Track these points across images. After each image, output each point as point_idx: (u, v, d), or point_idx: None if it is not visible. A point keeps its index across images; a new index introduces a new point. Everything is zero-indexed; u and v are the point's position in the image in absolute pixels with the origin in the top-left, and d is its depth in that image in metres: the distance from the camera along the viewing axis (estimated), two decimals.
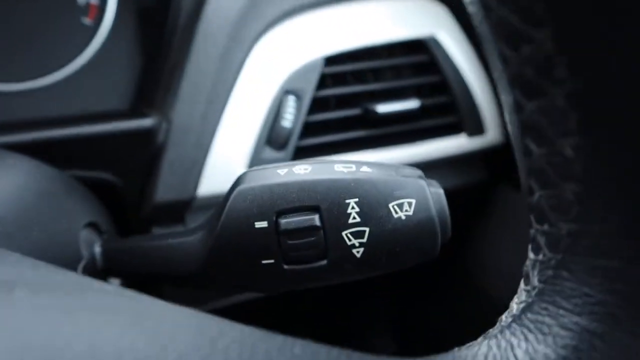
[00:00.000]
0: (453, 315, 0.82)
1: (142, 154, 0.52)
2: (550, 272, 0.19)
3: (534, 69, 0.16)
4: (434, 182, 0.34)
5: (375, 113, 0.59)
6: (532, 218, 0.19)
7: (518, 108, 0.17)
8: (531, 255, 0.20)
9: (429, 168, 0.67)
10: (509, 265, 0.68)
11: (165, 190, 0.52)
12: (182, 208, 0.54)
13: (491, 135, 0.68)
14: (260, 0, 0.57)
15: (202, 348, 0.17)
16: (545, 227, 0.18)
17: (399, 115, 0.61)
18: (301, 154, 0.58)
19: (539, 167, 0.17)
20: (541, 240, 0.19)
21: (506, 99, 0.18)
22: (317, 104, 0.59)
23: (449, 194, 0.69)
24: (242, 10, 0.56)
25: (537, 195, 0.18)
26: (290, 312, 0.83)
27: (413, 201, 0.32)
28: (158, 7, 0.55)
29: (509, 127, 0.18)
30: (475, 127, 0.67)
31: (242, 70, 0.55)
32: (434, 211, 0.33)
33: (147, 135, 0.51)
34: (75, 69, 0.56)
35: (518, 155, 0.18)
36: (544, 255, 0.19)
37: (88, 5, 0.56)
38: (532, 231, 0.19)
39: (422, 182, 0.33)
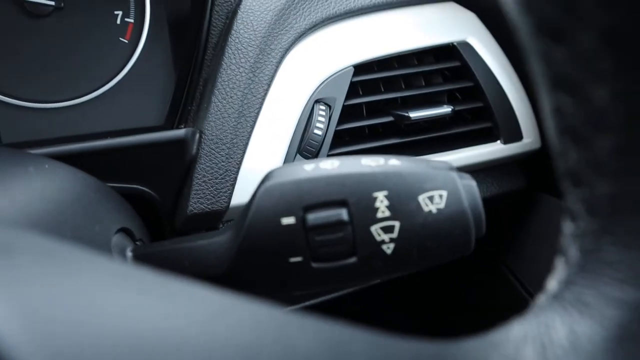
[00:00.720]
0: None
1: (176, 165, 0.53)
2: (591, 241, 0.17)
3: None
4: (466, 174, 0.33)
5: (408, 119, 0.59)
6: (567, 184, 0.18)
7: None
8: (567, 226, 0.19)
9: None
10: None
11: (197, 201, 0.52)
12: (215, 218, 0.54)
13: (528, 141, 0.66)
14: (288, 13, 0.58)
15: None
16: (583, 190, 0.17)
17: (432, 121, 0.60)
18: None
19: (572, 123, 0.16)
20: (578, 206, 0.17)
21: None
22: (348, 113, 0.59)
23: (487, 201, 0.67)
24: (271, 24, 0.56)
25: (571, 155, 0.16)
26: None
27: (444, 193, 0.31)
28: (189, 23, 0.57)
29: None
30: (511, 133, 0.65)
31: (272, 81, 0.56)
32: (466, 203, 0.32)
33: (180, 146, 0.52)
34: (113, 86, 0.57)
35: (548, 114, 0.17)
36: (583, 222, 0.17)
37: (126, 24, 0.58)
38: (568, 198, 0.18)
39: (454, 174, 0.32)
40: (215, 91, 0.54)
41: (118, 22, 0.57)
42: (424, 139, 0.61)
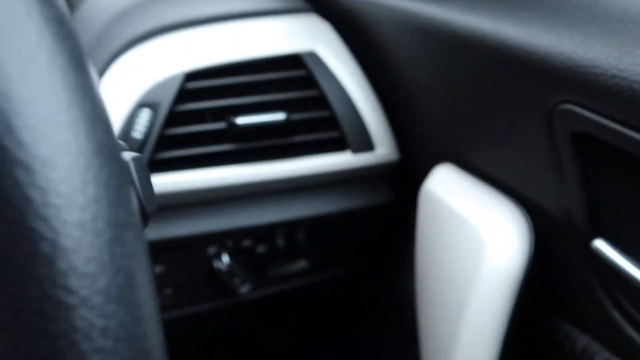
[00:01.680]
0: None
1: None
2: None
3: None
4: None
5: (235, 125, 0.59)
6: None
7: None
8: None
9: (319, 186, 0.65)
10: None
11: None
12: None
13: (382, 151, 0.65)
14: (120, 21, 0.60)
15: None
16: None
17: (265, 128, 0.61)
18: (157, 167, 0.58)
19: None
20: None
21: None
22: (182, 119, 0.60)
23: (353, 214, 0.66)
24: (101, 30, 0.59)
25: None
26: None
27: None
28: None
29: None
30: (361, 142, 0.64)
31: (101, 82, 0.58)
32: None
33: None
34: None
35: None
36: None
37: None
38: None
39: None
40: None
41: None
42: (260, 146, 0.61)
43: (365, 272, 0.78)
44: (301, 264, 0.74)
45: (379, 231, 0.72)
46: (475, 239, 0.50)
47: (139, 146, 0.57)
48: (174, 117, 0.59)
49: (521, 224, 0.49)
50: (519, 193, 0.50)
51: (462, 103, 0.53)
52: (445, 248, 0.54)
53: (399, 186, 0.69)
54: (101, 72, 0.59)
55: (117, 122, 0.57)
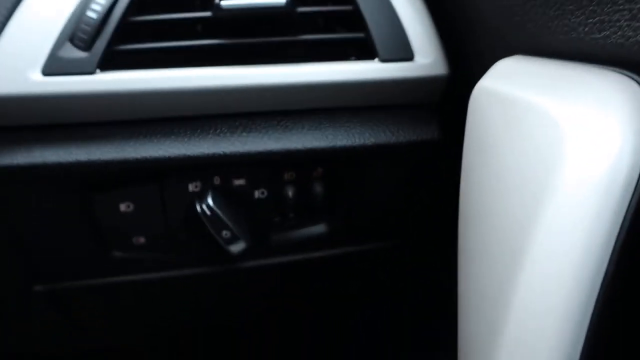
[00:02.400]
0: None
1: None
2: None
3: None
4: None
5: (220, 10, 0.44)
6: None
7: None
8: None
9: (339, 112, 0.49)
10: None
11: None
12: None
13: (423, 61, 0.47)
14: None
15: None
16: None
17: (261, 19, 0.45)
18: (117, 59, 0.45)
19: None
20: None
21: None
22: (155, 5, 0.46)
23: (386, 153, 0.48)
24: None
25: None
26: None
27: None
28: None
29: None
30: (395, 48, 0.47)
31: None
32: None
33: None
34: None
35: None
36: None
37: None
38: None
39: None
40: None
41: None
42: (256, 43, 0.46)
43: (401, 244, 0.59)
44: (319, 228, 0.56)
45: (420, 184, 0.54)
46: (557, 137, 0.31)
47: (93, 31, 0.44)
48: (150, 3, 0.46)
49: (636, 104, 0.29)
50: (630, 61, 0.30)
51: None
52: (507, 164, 0.35)
53: (448, 119, 0.51)
54: None
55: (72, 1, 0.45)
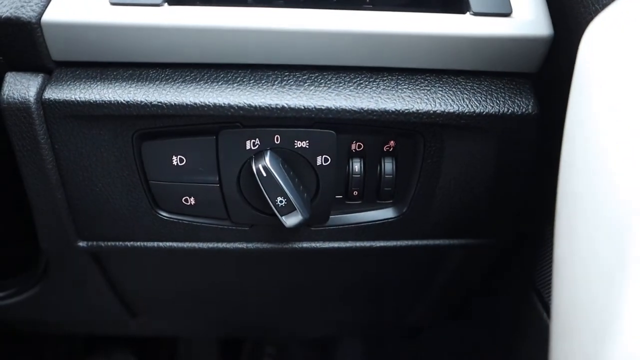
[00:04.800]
0: None
1: None
2: None
3: None
4: None
5: None
6: None
7: None
8: None
9: (422, 73, 0.44)
10: None
11: (2, 3, 0.42)
12: (25, 34, 0.42)
13: (525, 18, 0.41)
14: None
15: None
16: None
17: None
18: None
19: None
20: None
21: None
22: None
23: (473, 124, 0.42)
24: None
25: None
26: None
27: None
28: None
29: None
30: (490, 1, 0.41)
31: None
32: None
33: None
34: None
35: None
36: None
37: None
38: None
39: None
40: None
41: None
42: None
43: (481, 244, 0.51)
44: (385, 213, 0.50)
45: (510, 169, 0.46)
46: None
47: None
48: None
49: None
50: None
51: None
52: (623, 135, 0.27)
53: (547, 94, 0.43)
54: None
55: None
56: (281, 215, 0.46)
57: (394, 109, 0.43)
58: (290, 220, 0.46)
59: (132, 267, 0.56)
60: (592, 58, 0.31)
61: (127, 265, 0.56)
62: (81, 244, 0.51)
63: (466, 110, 0.43)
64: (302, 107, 0.43)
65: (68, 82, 0.44)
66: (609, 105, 0.27)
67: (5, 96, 0.43)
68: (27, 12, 0.41)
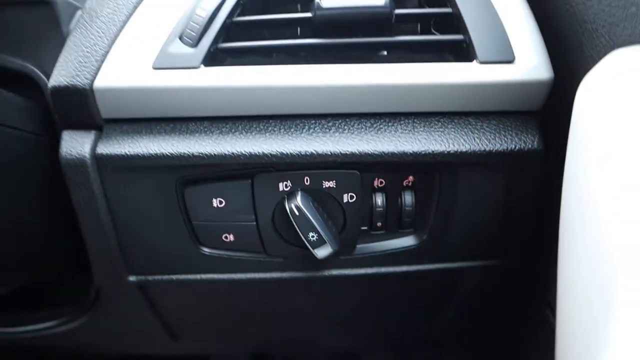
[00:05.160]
0: None
1: (54, 40, 0.49)
2: None
3: None
4: None
5: (321, 9, 0.46)
6: None
7: None
8: None
9: (434, 115, 0.48)
10: None
11: (59, 73, 0.47)
12: (78, 98, 0.47)
13: (525, 64, 0.46)
14: None
15: None
16: None
17: (361, 20, 0.46)
18: (219, 56, 0.47)
19: None
20: None
21: None
22: (257, 6, 0.49)
23: (482, 161, 0.47)
24: None
25: None
26: None
27: None
28: None
29: None
30: (495, 50, 0.46)
31: None
32: None
33: (52, 13, 0.49)
34: None
35: None
36: None
37: None
38: None
39: None
40: None
41: None
42: (353, 44, 0.47)
43: (495, 266, 0.55)
44: (407, 241, 0.54)
45: (517, 199, 0.50)
46: None
47: (201, 29, 0.47)
48: (247, 2, 0.48)
49: None
50: None
51: None
52: (619, 171, 0.32)
53: (552, 133, 0.48)
54: None
55: (184, 3, 0.48)
56: (313, 249, 0.51)
57: (411, 151, 0.47)
58: (321, 252, 0.51)
59: (176, 296, 0.61)
60: (587, 112, 0.35)
61: (170, 294, 0.61)
62: (131, 278, 0.57)
63: (477, 149, 0.47)
64: (329, 153, 0.47)
65: (117, 138, 0.49)
66: (600, 161, 0.32)
67: (64, 153, 0.48)
68: (81, 80, 0.47)
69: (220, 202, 0.51)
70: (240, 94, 0.47)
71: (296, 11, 0.49)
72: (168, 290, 0.59)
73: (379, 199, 0.52)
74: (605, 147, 0.33)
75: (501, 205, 0.51)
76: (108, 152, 0.48)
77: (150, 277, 0.57)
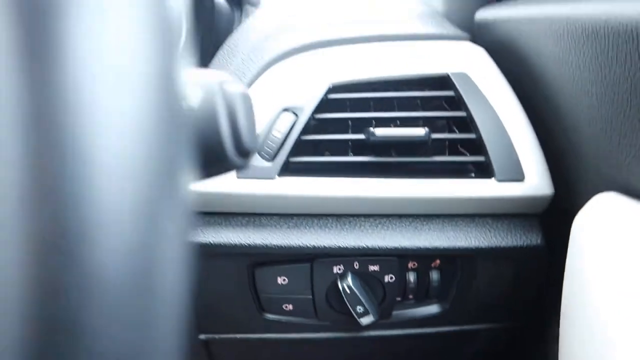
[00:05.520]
0: None
1: None
2: None
3: None
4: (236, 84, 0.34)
5: (374, 136, 0.58)
6: None
7: None
8: None
9: (458, 217, 0.60)
10: None
11: None
12: None
13: (532, 182, 0.58)
14: (279, 33, 0.64)
15: None
16: None
17: (404, 144, 0.58)
18: (291, 168, 0.59)
19: None
20: None
21: None
22: (318, 126, 0.60)
23: (494, 254, 0.59)
24: (261, 39, 0.63)
25: None
26: None
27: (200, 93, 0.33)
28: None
29: None
30: (509, 170, 0.58)
31: (250, 87, 0.61)
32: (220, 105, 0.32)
33: None
34: None
35: None
36: None
37: None
38: None
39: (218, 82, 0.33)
40: None
41: None
42: (397, 162, 0.59)
43: (505, 327, 0.68)
44: (432, 309, 0.67)
45: (524, 281, 0.63)
46: None
47: (277, 146, 0.59)
48: (313, 124, 0.60)
49: None
50: None
51: (635, 112, 0.46)
52: (604, 294, 0.45)
53: (551, 230, 0.61)
54: (252, 81, 0.62)
55: (263, 123, 0.60)
56: (358, 318, 0.63)
57: (441, 246, 0.60)
58: (365, 320, 0.63)
59: (236, 353, 0.73)
60: (580, 243, 0.48)
61: (232, 351, 0.72)
62: (201, 336, 0.68)
63: (492, 245, 0.60)
64: (376, 247, 0.59)
65: (201, 228, 0.60)
66: (596, 270, 0.44)
67: None
68: None
69: (284, 280, 0.63)
70: (306, 200, 0.59)
71: (347, 132, 0.61)
72: (231, 347, 0.70)
73: (412, 277, 0.64)
74: (599, 263, 0.45)
75: (511, 282, 0.64)
76: (193, 241, 0.60)
77: (217, 336, 0.68)
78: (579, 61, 0.50)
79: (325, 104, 0.61)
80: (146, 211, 0.16)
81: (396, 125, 0.61)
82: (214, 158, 0.33)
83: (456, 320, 0.67)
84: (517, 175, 0.59)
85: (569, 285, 0.50)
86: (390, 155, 0.59)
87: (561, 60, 0.53)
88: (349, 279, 0.61)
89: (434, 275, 0.64)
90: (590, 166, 0.53)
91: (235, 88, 0.33)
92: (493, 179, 0.59)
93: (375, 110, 0.62)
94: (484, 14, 0.68)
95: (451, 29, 0.70)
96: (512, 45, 0.62)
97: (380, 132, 0.58)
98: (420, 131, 0.58)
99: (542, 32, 0.56)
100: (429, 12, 0.76)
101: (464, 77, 0.61)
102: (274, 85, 0.62)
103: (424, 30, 0.68)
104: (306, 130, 0.59)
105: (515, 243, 0.60)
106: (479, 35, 0.67)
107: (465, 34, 0.69)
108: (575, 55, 0.50)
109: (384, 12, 0.76)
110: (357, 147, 0.60)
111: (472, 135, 0.59)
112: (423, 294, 0.66)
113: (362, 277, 0.62)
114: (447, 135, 0.60)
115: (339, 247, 0.59)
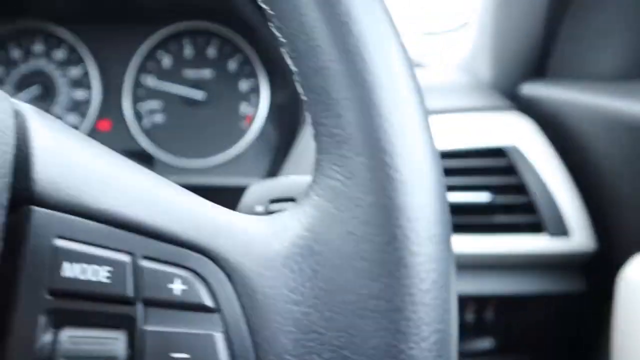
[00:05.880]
0: None
1: None
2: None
3: None
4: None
5: None
6: None
7: None
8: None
9: (513, 267, 0.70)
10: None
11: None
12: None
13: (577, 239, 0.69)
14: None
15: None
16: None
17: (468, 207, 0.68)
18: None
19: None
20: None
21: None
22: None
23: (544, 299, 0.69)
24: None
25: None
26: None
27: None
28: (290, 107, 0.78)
29: None
30: (558, 228, 0.69)
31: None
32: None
33: None
34: (229, 157, 0.80)
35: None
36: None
37: (245, 115, 0.81)
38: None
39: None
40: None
41: (240, 113, 0.81)
42: (463, 223, 0.69)
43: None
44: (487, 342, 0.77)
45: (568, 320, 0.73)
46: None
47: None
48: None
49: None
50: None
51: None
52: None
53: (595, 277, 0.71)
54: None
55: None
56: None
57: (496, 293, 0.70)
58: None
59: None
60: (627, 293, 0.58)
61: None
62: None
63: (539, 291, 0.70)
64: None
65: None
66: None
67: None
68: None
69: None
70: None
71: None
72: None
73: (469, 316, 0.74)
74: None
75: (554, 324, 0.74)
76: None
77: None
78: (622, 151, 0.61)
79: None
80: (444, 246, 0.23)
81: (460, 190, 0.71)
82: None
83: (505, 356, 0.78)
84: (563, 231, 0.69)
85: (620, 333, 0.60)
86: (456, 216, 0.69)
87: (606, 146, 0.64)
88: None
89: (489, 314, 0.74)
90: (630, 229, 0.63)
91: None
92: (545, 232, 0.69)
93: None
94: (532, 90, 0.79)
95: (499, 100, 0.80)
96: (559, 121, 0.72)
97: (449, 198, 0.68)
98: (484, 197, 0.68)
99: (585, 117, 0.67)
100: (475, 84, 0.87)
101: (515, 150, 0.72)
102: None
103: (474, 103, 0.78)
104: None
105: (561, 289, 0.70)
106: (527, 107, 0.78)
107: (512, 104, 0.79)
108: (620, 146, 0.61)
109: (431, 83, 0.86)
110: None
111: (526, 199, 0.70)
112: (479, 332, 0.76)
113: None
114: (505, 199, 0.70)
115: None
